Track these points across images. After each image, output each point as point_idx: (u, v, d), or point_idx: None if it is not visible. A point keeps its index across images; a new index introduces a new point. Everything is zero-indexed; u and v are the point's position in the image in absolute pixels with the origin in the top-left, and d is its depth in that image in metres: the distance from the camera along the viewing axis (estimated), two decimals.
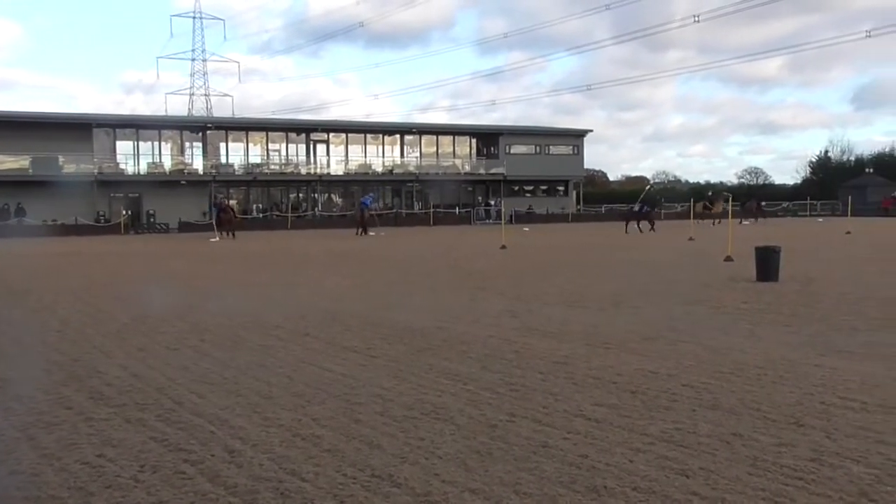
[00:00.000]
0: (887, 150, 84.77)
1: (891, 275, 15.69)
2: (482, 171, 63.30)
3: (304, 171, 58.16)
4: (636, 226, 37.27)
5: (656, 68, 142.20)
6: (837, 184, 72.30)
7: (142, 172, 53.86)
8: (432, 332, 9.34)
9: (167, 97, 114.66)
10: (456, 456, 4.78)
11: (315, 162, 59.28)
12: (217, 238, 37.18)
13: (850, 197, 48.20)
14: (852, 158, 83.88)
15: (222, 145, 58.06)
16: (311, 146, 59.55)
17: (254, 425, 5.54)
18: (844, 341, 8.39)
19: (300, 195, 59.23)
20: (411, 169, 61.74)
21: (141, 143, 55.18)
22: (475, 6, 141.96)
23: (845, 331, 9.04)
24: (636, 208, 38.01)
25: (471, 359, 7.76)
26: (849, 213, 42.57)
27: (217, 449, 5.02)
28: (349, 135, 61.65)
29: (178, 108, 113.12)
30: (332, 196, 61.03)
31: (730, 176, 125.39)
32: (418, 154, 63.71)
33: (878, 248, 24.51)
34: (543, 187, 66.07)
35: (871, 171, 74.01)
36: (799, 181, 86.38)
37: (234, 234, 38.04)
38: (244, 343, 8.90)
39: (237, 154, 58.33)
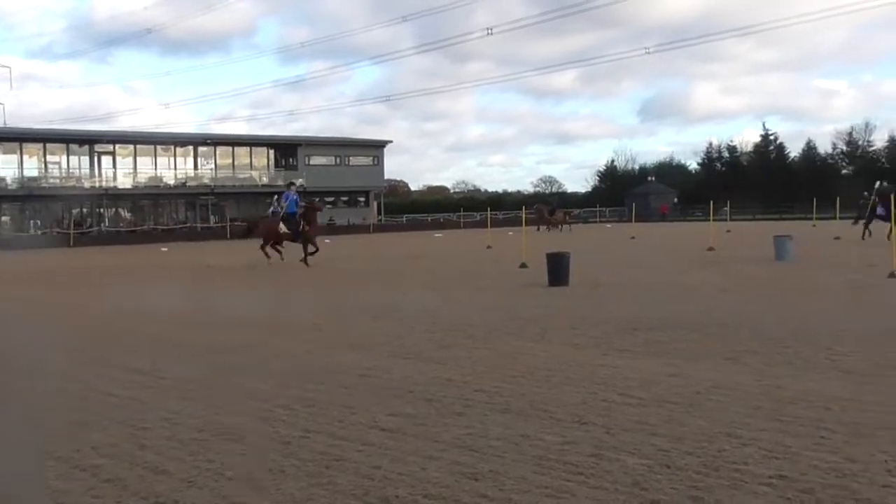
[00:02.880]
0: (667, 159, 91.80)
1: (668, 276, 16.87)
2: (280, 182, 62.39)
3: (87, 184, 54.90)
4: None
5: (457, 79, 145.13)
6: (624, 191, 77.19)
7: None
8: (231, 350, 9.06)
9: None
10: (247, 476, 4.64)
11: (100, 175, 56.23)
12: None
13: (634, 204, 51.56)
14: (637, 167, 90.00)
15: None
16: (96, 158, 56.44)
17: None
18: (626, 341, 8.91)
19: (84, 210, 55.86)
20: (206, 181, 59.91)
21: None
22: (277, 13, 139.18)
23: (627, 331, 9.60)
24: (881, 211, 27.37)
25: (269, 375, 7.58)
26: (633, 220, 45.50)
27: None
28: (138, 146, 58.96)
29: None
30: (120, 210, 58.15)
31: (526, 185, 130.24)
32: (213, 166, 61.93)
33: (659, 251, 26.40)
34: (344, 198, 66.20)
35: (653, 179, 79.66)
36: (590, 189, 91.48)
37: (311, 251, 23.38)
38: (17, 370, 8.26)
39: (10, 167, 54.11)
